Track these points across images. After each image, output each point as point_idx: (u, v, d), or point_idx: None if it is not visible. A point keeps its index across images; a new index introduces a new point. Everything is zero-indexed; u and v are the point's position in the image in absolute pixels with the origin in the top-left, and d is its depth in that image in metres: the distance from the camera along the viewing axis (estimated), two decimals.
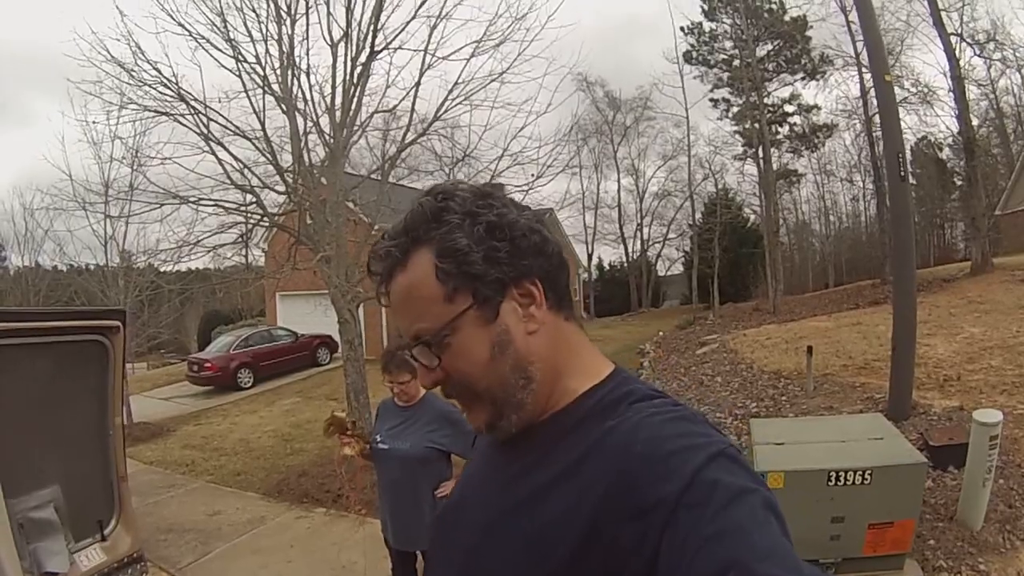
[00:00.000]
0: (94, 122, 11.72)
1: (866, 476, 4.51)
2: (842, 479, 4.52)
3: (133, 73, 9.23)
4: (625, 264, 45.48)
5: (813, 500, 4.53)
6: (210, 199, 9.72)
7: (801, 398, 9.74)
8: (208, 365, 19.72)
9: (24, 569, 3.35)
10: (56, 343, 3.84)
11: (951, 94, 21.56)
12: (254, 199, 10.00)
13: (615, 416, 0.98)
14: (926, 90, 23.73)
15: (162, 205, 9.81)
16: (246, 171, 9.88)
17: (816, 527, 4.56)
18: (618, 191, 44.68)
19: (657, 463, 0.85)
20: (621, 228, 44.86)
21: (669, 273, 47.54)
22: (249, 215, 10.22)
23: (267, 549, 7.32)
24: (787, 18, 29.89)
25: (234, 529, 8.03)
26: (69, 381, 4.03)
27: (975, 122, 22.86)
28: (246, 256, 12.22)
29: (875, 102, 23.55)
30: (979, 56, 21.84)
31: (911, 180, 8.63)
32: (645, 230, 44.59)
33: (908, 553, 4.83)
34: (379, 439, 3.96)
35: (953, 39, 20.48)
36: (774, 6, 30.62)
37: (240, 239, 10.58)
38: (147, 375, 24.31)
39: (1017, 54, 21.31)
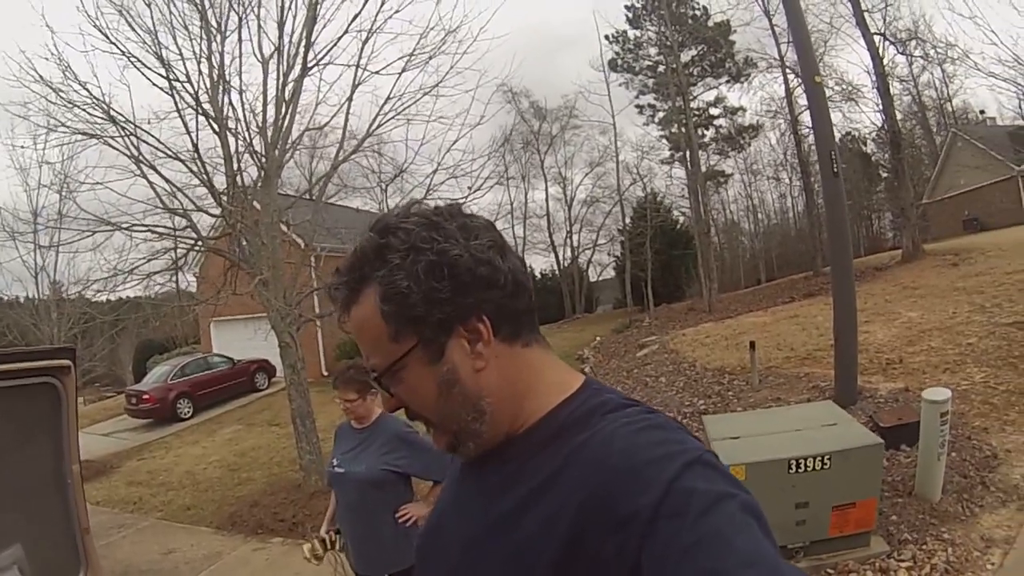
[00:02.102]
0: (22, 147, 11.42)
1: (825, 461, 4.61)
2: (802, 466, 4.62)
3: (62, 94, 9.04)
4: (557, 272, 45.81)
5: (776, 489, 4.60)
6: (143, 224, 9.55)
7: (747, 392, 9.89)
8: (146, 397, 19.31)
9: None
10: (3, 388, 3.65)
11: (875, 91, 22.24)
12: (187, 223, 9.82)
13: (588, 428, 0.96)
14: (850, 88, 24.44)
15: (94, 232, 9.62)
16: (179, 194, 9.72)
17: (781, 514, 4.62)
18: (546, 200, 45.36)
19: (631, 475, 0.83)
20: (551, 236, 45.41)
21: (601, 278, 48.16)
22: (181, 240, 10.02)
23: None
24: (711, 24, 30.52)
25: (191, 567, 7.87)
26: (19, 429, 3.83)
27: (899, 116, 23.51)
28: (177, 283, 11.96)
29: (800, 101, 24.30)
30: (901, 53, 22.57)
31: None
32: (575, 237, 45.23)
33: (873, 530, 4.97)
34: (335, 463, 3.86)
35: (876, 38, 21.12)
36: (698, 12, 31.32)
37: (172, 265, 10.34)
38: (84, 411, 23.54)
39: (937, 50, 21.98)
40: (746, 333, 13.69)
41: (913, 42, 22.28)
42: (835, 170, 8.39)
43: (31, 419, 3.88)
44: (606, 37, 33.08)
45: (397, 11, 9.57)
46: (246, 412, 19.29)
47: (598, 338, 22.70)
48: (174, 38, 9.33)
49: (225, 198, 9.75)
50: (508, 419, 1.04)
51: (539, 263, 47.61)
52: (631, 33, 33.08)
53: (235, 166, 9.71)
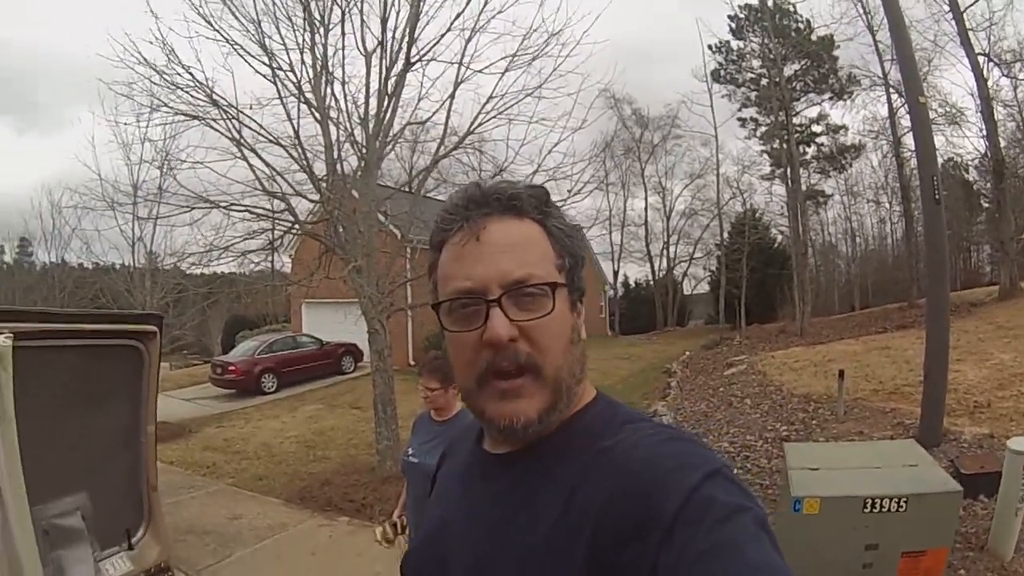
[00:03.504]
0: (125, 123, 11.83)
1: (901, 503, 4.46)
2: (878, 506, 4.47)
3: (165, 76, 9.27)
4: (651, 282, 45.63)
5: (849, 527, 4.48)
6: (241, 204, 9.76)
7: (832, 422, 9.70)
8: (232, 368, 19.75)
9: None
10: (91, 346, 3.80)
11: (979, 115, 21.42)
12: (285, 206, 10.03)
13: (609, 437, 0.98)
14: (953, 111, 23.55)
15: (191, 209, 9.86)
16: (277, 178, 9.91)
17: (849, 554, 4.51)
18: (645, 209, 45.11)
19: (653, 483, 0.86)
20: (648, 246, 45.20)
21: (695, 292, 47.58)
22: (278, 222, 10.26)
23: (288, 556, 7.31)
24: (814, 37, 29.82)
25: (255, 534, 7.99)
26: (102, 386, 3.96)
27: (1003, 143, 22.55)
28: (272, 263, 12.21)
29: (903, 123, 23.54)
30: (1006, 76, 21.61)
31: None
32: (671, 248, 45.04)
33: None
34: (411, 452, 3.91)
35: (980, 59, 20.33)
36: (801, 25, 30.57)
37: (268, 245, 10.61)
38: (169, 375, 24.29)
39: None
40: (835, 361, 13.42)
41: (1018, 64, 21.32)
42: (937, 197, 8.17)
43: (114, 378, 4.02)
44: (709, 47, 32.59)
45: (500, 11, 9.56)
46: (329, 393, 19.46)
47: (687, 353, 22.53)
48: (277, 28, 9.52)
49: (324, 185, 9.95)
50: (576, 397, 1.06)
51: (634, 272, 47.60)
52: (734, 44, 32.55)
53: (335, 154, 9.88)
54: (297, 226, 10.46)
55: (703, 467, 0.86)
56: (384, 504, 7.97)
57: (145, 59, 9.20)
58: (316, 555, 7.31)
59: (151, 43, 9.23)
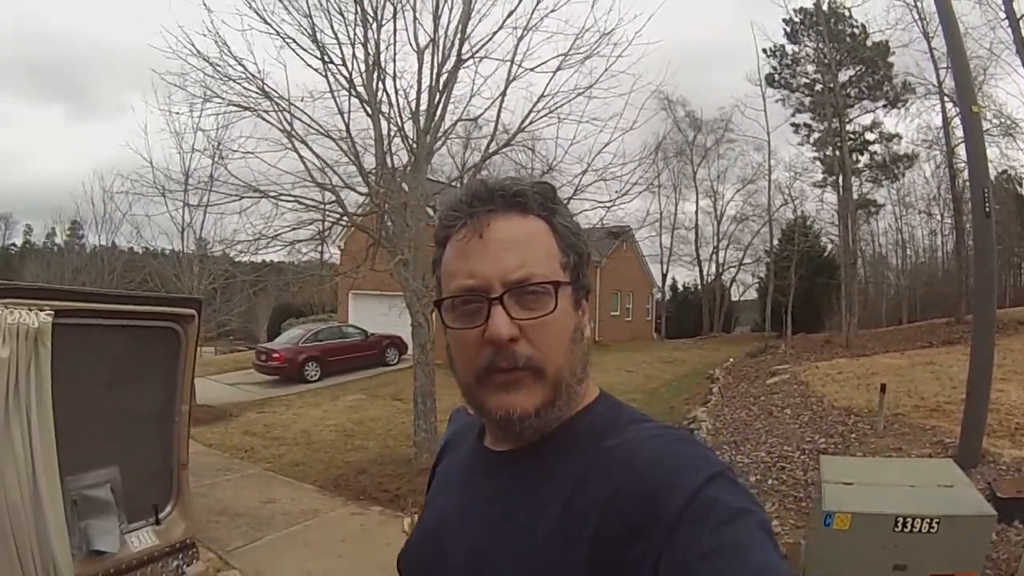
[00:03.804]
0: (177, 112, 12.08)
1: (933, 525, 4.37)
2: (909, 526, 4.39)
3: (218, 68, 9.42)
4: (699, 287, 45.17)
5: (878, 545, 4.41)
6: (290, 195, 9.89)
7: (871, 437, 9.56)
8: (276, 355, 19.97)
9: (72, 545, 3.40)
10: (130, 327, 3.89)
11: None
12: (334, 198, 10.14)
13: (614, 436, 0.99)
14: (1008, 122, 22.95)
15: (241, 198, 10.01)
16: (327, 170, 10.04)
17: (877, 573, 4.44)
18: (696, 212, 44.27)
19: (658, 482, 0.86)
20: (697, 250, 44.47)
21: (742, 298, 46.99)
22: (328, 213, 10.39)
23: (318, 542, 7.41)
24: (869, 43, 29.24)
25: (287, 519, 8.11)
26: (139, 365, 4.06)
27: None
28: (321, 253, 12.33)
29: (957, 133, 23.01)
30: None
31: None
32: (721, 253, 44.30)
33: None
34: None
35: None
36: (856, 30, 29.99)
37: (317, 236, 10.75)
38: (214, 359, 24.71)
39: None
40: (879, 374, 13.19)
41: None
42: (987, 210, 8.04)
43: (151, 359, 4.12)
44: (764, 51, 32.04)
45: (553, 10, 9.59)
46: (371, 384, 19.58)
47: (731, 359, 22.34)
48: (330, 23, 9.60)
49: (373, 178, 10.05)
50: (577, 396, 1.05)
51: (682, 275, 47.09)
52: (789, 48, 32.06)
53: (385, 148, 9.98)
54: (346, 218, 10.60)
55: (707, 469, 0.87)
56: (417, 496, 7.99)
57: (198, 51, 9.39)
58: (346, 542, 7.42)
59: (204, 35, 9.42)
